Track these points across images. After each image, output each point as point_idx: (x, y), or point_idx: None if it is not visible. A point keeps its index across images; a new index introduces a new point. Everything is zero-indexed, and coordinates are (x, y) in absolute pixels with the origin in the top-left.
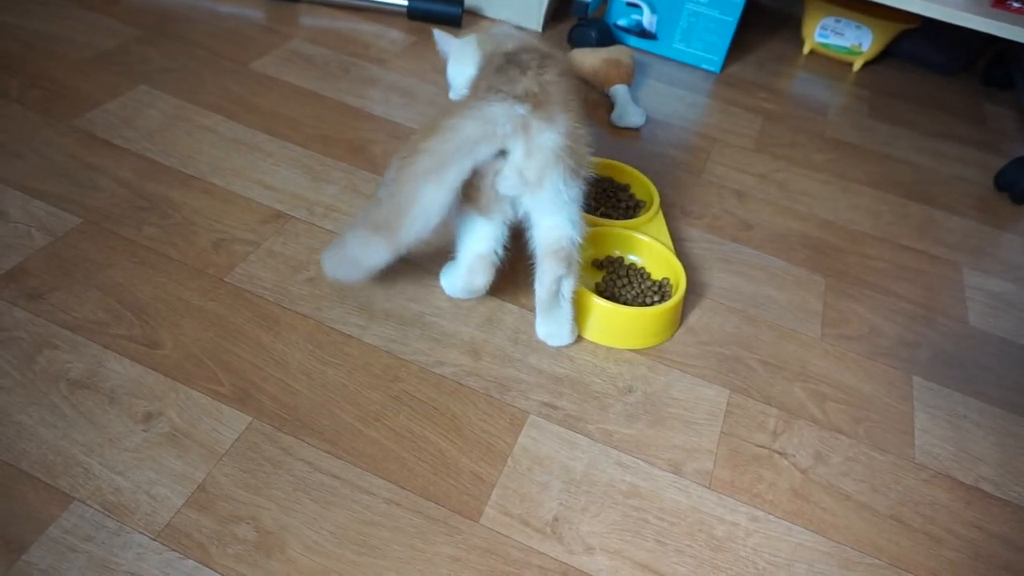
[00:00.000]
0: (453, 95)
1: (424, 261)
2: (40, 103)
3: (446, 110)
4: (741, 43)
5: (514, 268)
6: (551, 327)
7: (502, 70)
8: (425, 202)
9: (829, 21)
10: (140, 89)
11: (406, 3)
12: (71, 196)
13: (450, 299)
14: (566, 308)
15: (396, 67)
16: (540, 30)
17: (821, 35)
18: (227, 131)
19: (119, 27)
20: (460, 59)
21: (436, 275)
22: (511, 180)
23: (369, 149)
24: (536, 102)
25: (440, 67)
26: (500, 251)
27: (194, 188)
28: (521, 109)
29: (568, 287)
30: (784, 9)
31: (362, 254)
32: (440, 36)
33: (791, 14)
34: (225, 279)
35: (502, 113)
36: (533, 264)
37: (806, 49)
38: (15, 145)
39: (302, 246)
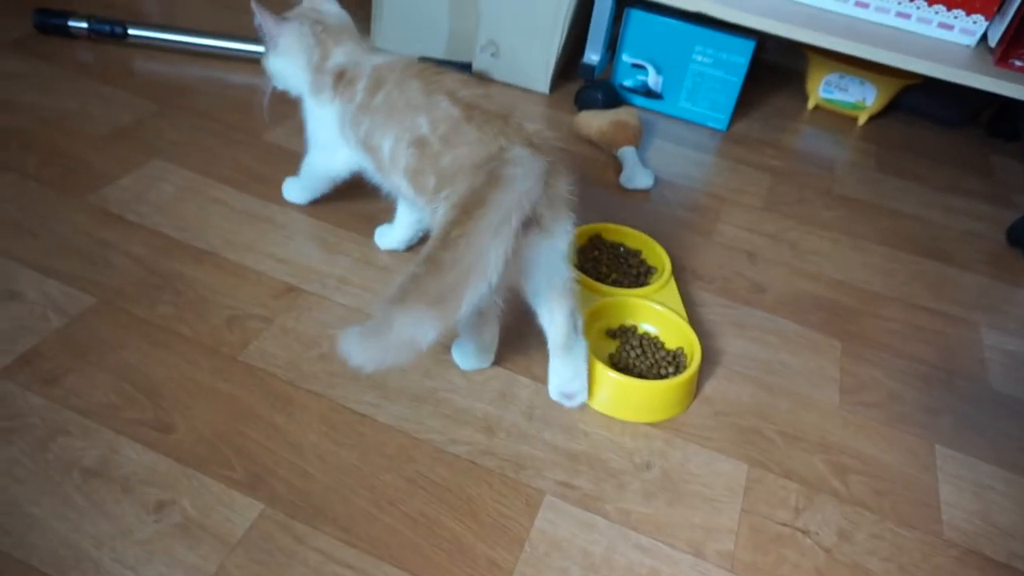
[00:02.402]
0: (276, 86)
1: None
2: (56, 180)
3: (475, 161)
4: (746, 99)
5: (524, 338)
6: (569, 371)
7: (471, 116)
8: (492, 264)
9: (833, 77)
10: (154, 163)
11: None
12: (85, 275)
13: (464, 373)
14: (582, 346)
15: None
16: (548, 92)
17: (825, 91)
18: (239, 203)
19: (135, 101)
20: (294, 51)
21: (449, 348)
22: (533, 232)
23: (380, 219)
24: (536, 147)
25: None
26: (501, 301)
27: (207, 263)
28: (541, 158)
29: (581, 320)
30: (788, 65)
31: (417, 334)
32: (261, 12)
33: (795, 70)
34: (238, 358)
35: (532, 162)
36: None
37: (811, 104)
38: (31, 223)
39: (314, 321)
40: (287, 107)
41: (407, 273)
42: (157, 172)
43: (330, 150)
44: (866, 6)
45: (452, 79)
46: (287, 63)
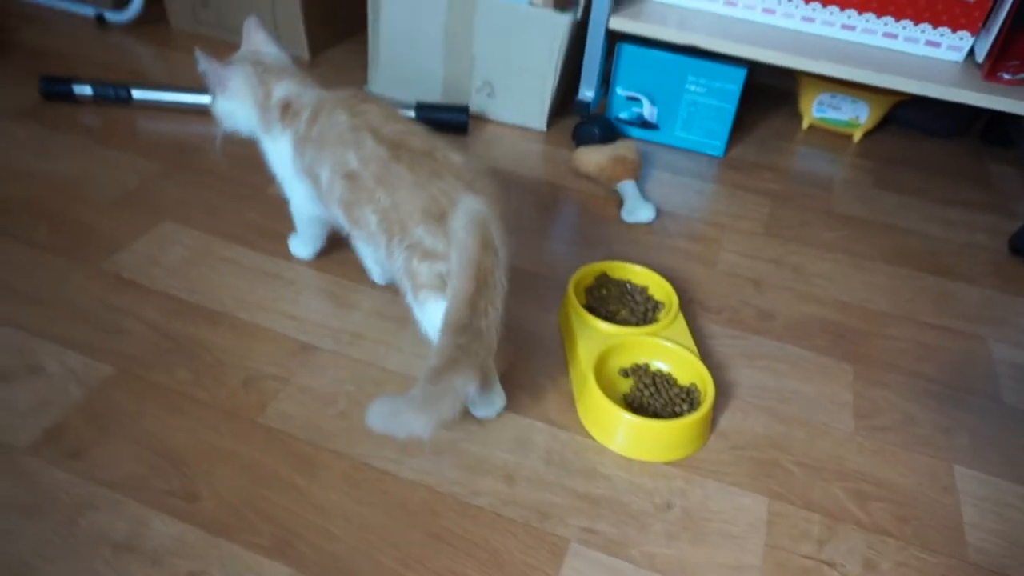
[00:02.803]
0: (227, 128)
1: None
2: (68, 248)
3: (423, 207)
4: (741, 123)
5: (535, 383)
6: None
7: (399, 156)
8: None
9: (825, 97)
10: (163, 225)
11: (413, 114)
12: (103, 344)
13: (480, 421)
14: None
15: None
16: (545, 129)
17: (818, 110)
18: (248, 261)
19: (140, 163)
20: (241, 92)
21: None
22: None
23: None
24: (473, 187)
25: None
26: None
27: (221, 324)
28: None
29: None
30: (780, 86)
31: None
32: (206, 60)
33: (786, 90)
34: (257, 420)
35: (491, 215)
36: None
37: (805, 124)
38: (46, 293)
39: (330, 378)
40: None
41: (452, 344)
42: (167, 234)
43: (294, 184)
44: (852, 28)
45: (376, 113)
46: (236, 105)
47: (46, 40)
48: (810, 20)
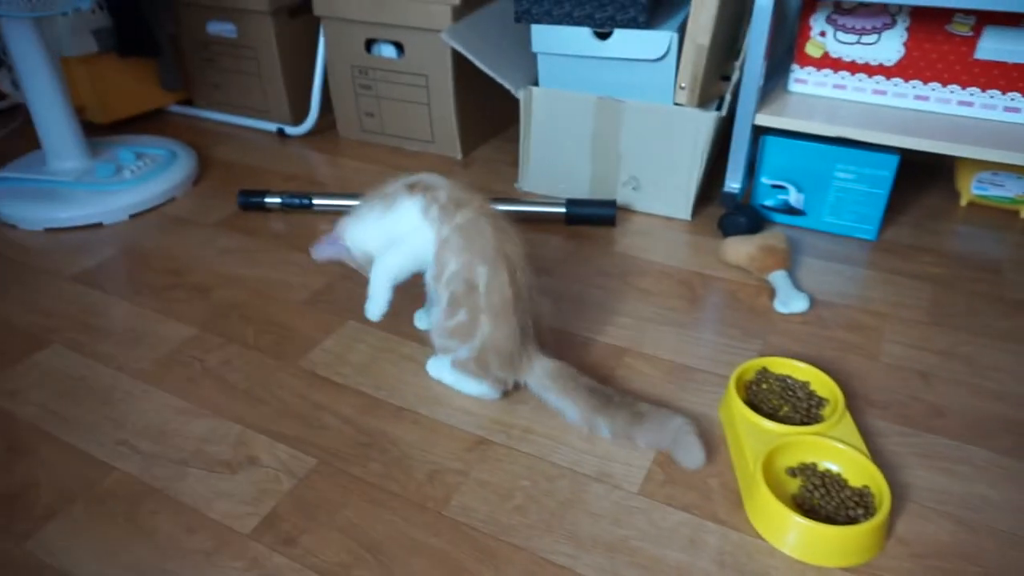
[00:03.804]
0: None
1: (622, 481)
2: (272, 347)
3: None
4: (892, 200)
5: (702, 480)
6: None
7: (516, 306)
8: None
9: (986, 175)
10: (349, 324)
11: (564, 210)
12: (306, 437)
13: (650, 520)
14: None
15: (561, 274)
16: (689, 219)
17: (978, 188)
18: (424, 358)
19: (324, 266)
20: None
21: (636, 494)
22: None
23: None
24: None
25: (604, 270)
26: None
27: (405, 420)
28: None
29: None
30: (934, 160)
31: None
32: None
33: (941, 163)
34: (443, 512)
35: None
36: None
37: (963, 201)
38: (258, 390)
39: (505, 473)
40: None
41: (632, 411)
42: (352, 333)
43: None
44: (1018, 111)
45: (520, 255)
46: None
47: (236, 155)
48: (967, 104)
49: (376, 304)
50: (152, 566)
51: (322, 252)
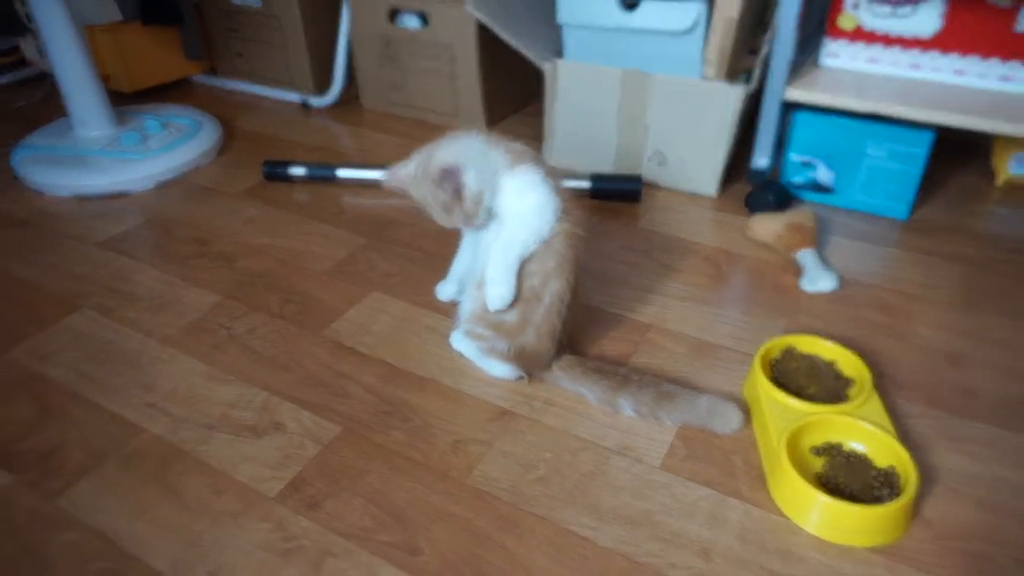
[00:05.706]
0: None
1: (644, 455)
2: (296, 316)
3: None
4: (925, 180)
5: (726, 457)
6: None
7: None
8: None
9: (1023, 155)
10: (372, 295)
11: (589, 185)
12: (330, 404)
13: (672, 495)
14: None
15: (584, 249)
16: (715, 195)
17: (1016, 167)
18: (447, 329)
19: (347, 236)
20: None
21: (658, 469)
22: None
23: (580, 338)
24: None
25: (628, 245)
26: None
27: (428, 390)
28: None
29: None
30: (969, 137)
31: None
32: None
33: (976, 142)
34: (466, 481)
35: None
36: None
37: (999, 181)
38: (284, 358)
39: (528, 444)
40: None
41: (658, 390)
42: (375, 304)
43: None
44: None
45: (574, 263)
46: None
47: (260, 125)
48: (1007, 79)
49: (507, 286)
50: (181, 525)
51: (401, 171)
